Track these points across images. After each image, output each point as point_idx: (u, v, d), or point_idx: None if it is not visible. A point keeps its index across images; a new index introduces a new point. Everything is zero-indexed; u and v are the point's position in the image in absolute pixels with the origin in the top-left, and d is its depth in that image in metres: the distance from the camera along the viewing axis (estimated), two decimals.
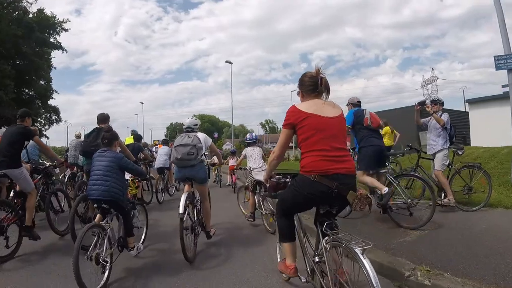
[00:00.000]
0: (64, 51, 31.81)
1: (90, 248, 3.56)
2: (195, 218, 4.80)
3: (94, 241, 3.64)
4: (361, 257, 2.30)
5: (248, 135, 7.29)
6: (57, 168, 7.76)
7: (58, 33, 29.77)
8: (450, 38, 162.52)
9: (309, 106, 2.85)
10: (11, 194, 5.22)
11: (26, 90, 29.36)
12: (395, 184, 5.30)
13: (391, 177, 5.51)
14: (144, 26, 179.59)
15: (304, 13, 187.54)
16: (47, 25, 28.10)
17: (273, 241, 4.40)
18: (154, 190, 9.49)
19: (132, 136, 9.32)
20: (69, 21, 29.61)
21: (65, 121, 62.65)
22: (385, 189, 5.03)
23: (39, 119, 31.47)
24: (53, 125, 33.95)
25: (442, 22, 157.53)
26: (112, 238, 4.00)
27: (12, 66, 23.64)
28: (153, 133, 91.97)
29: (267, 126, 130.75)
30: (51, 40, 29.41)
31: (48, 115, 33.16)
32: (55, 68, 33.00)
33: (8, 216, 4.75)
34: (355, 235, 2.52)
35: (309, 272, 3.02)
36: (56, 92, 32.71)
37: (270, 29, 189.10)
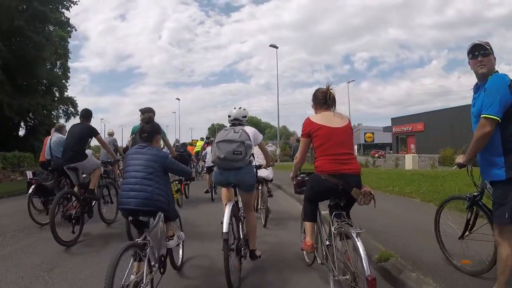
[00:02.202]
0: (74, 29, 29.00)
1: (126, 274, 2.82)
2: (240, 235, 3.97)
3: (129, 265, 2.93)
4: (356, 239, 2.83)
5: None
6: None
7: (67, 8, 25.94)
8: (496, 38, 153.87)
9: (321, 118, 3.44)
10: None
11: (39, 79, 25.64)
12: None
13: None
14: (187, 30, 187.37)
15: (345, 15, 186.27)
16: None
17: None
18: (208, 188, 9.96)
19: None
20: None
21: (101, 119, 60.55)
22: None
23: (53, 111, 28.96)
24: (70, 119, 30.51)
25: (487, 21, 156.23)
26: (152, 259, 3.21)
27: (6, 46, 19.98)
28: (194, 133, 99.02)
29: None
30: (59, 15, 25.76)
31: (65, 107, 30.47)
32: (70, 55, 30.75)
33: (74, 205, 5.75)
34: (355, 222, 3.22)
35: (323, 255, 3.60)
36: (68, 82, 30.52)
37: (312, 31, 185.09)
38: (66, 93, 29.84)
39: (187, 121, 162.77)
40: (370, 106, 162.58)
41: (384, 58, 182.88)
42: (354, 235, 2.84)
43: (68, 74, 30.81)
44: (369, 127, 79.03)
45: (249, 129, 4.15)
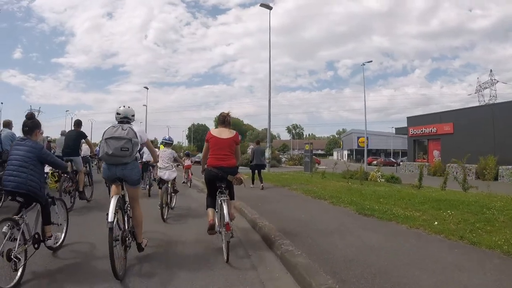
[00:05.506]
0: None
1: (3, 244, 3.47)
2: (125, 227, 4.32)
3: (6, 236, 3.57)
4: (223, 203, 4.68)
5: (166, 136, 8.64)
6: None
7: None
8: (479, 50, 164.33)
9: (216, 131, 5.19)
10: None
11: None
12: None
13: None
14: (173, 31, 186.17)
15: (330, 21, 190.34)
16: None
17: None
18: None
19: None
20: None
21: (66, 110, 53.33)
22: None
23: None
24: None
25: (471, 33, 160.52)
26: (26, 234, 3.92)
27: None
28: (171, 131, 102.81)
29: (293, 131, 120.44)
30: None
31: None
32: None
33: (71, 185, 8.10)
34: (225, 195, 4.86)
35: (220, 223, 4.96)
36: None
37: (297, 36, 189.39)
38: None
39: (169, 119, 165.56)
40: (354, 112, 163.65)
41: (368, 65, 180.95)
42: (222, 202, 4.71)
43: None
44: (363, 130, 70.20)
45: (137, 128, 4.49)
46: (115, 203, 4.01)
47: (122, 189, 4.46)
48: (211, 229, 4.86)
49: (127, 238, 4.18)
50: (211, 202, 5.11)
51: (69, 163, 8.29)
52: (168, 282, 3.86)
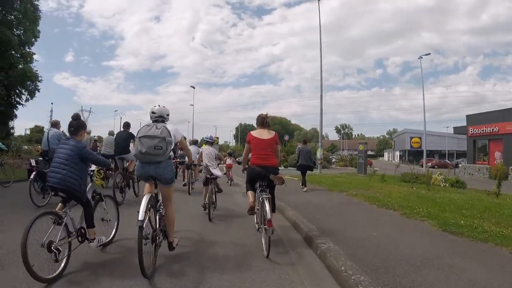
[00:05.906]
0: None
1: (47, 235, 3.69)
2: (157, 226, 4.36)
3: (50, 229, 3.77)
4: (265, 200, 4.86)
5: (208, 135, 9.05)
6: None
7: None
8: None
9: (256, 133, 5.56)
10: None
11: None
12: None
13: None
14: (219, 32, 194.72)
15: (378, 18, 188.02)
16: None
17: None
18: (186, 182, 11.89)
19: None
20: None
21: (115, 110, 55.15)
22: None
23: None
24: (32, 97, 25.22)
25: None
26: (70, 227, 4.15)
27: None
28: (219, 131, 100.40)
29: (342, 131, 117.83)
30: None
31: (28, 82, 24.40)
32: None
33: (123, 179, 8.96)
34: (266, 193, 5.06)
35: (259, 220, 5.44)
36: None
37: (344, 35, 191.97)
38: (32, 65, 24.67)
39: (216, 120, 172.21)
40: (403, 112, 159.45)
41: (418, 62, 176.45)
42: (264, 198, 4.90)
43: (34, 40, 24.80)
44: (416, 130, 66.91)
45: (171, 127, 4.48)
46: (147, 201, 4.07)
47: (156, 187, 4.53)
48: (251, 209, 5.28)
49: (157, 237, 4.25)
50: (251, 187, 5.52)
51: (120, 161, 9.89)
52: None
